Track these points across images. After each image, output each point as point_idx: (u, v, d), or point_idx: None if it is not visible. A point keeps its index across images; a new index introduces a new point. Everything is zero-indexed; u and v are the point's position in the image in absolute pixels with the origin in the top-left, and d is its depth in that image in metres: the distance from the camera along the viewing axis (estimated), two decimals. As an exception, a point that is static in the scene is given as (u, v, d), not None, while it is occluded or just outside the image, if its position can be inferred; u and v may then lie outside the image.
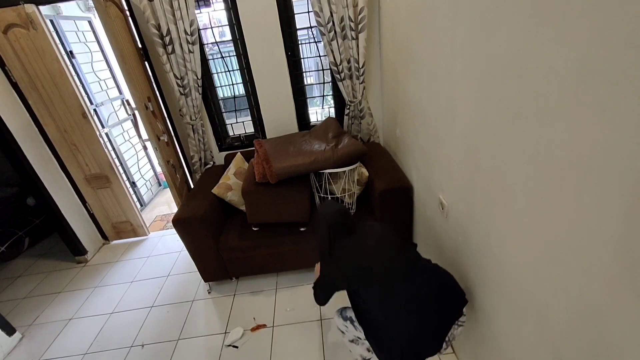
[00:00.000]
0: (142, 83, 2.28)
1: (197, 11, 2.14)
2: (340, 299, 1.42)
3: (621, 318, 0.63)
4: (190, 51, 2.16)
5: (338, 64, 2.20)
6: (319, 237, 1.35)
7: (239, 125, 2.71)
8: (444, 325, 1.11)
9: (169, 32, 2.09)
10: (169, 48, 2.14)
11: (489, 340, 1.22)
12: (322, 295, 1.31)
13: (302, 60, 2.44)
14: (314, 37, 2.47)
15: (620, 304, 0.63)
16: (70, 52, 2.79)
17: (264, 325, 1.91)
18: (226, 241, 2.06)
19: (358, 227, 1.34)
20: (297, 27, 2.33)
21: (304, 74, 2.50)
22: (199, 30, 2.20)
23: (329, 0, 2.00)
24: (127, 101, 3.40)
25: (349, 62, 2.22)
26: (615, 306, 0.64)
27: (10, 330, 2.06)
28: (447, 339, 1.11)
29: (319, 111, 2.76)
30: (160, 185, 4.00)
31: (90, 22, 3.14)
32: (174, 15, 2.05)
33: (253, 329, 1.90)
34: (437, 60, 1.33)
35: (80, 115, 2.50)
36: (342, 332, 1.41)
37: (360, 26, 2.08)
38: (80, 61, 2.90)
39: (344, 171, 1.93)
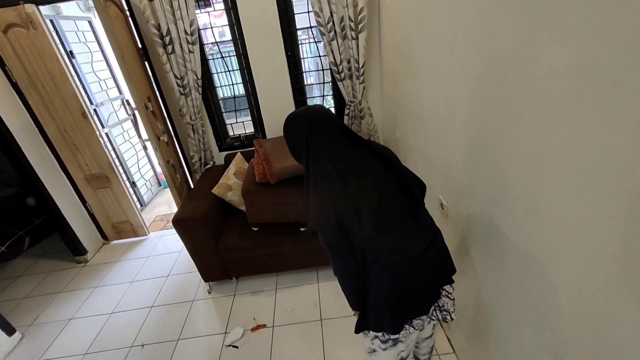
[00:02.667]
0: (142, 83, 2.28)
1: (197, 11, 2.13)
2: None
3: (622, 320, 0.63)
4: (190, 51, 2.16)
5: (338, 64, 2.19)
6: (310, 146, 0.97)
7: (239, 125, 2.71)
8: (434, 288, 1.03)
9: (169, 32, 2.09)
10: (169, 48, 2.14)
11: (489, 341, 1.22)
12: (346, 261, 0.95)
13: (302, 60, 2.43)
14: (314, 37, 2.47)
15: (621, 306, 0.63)
16: (70, 52, 2.79)
17: (264, 325, 1.91)
18: (226, 241, 2.06)
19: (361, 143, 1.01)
20: (297, 27, 2.32)
21: (304, 74, 2.50)
22: (199, 30, 2.20)
23: (329, 0, 2.00)
24: (127, 101, 3.40)
25: (349, 62, 2.22)
26: (615, 308, 0.64)
27: (10, 330, 2.06)
28: (437, 304, 1.05)
29: (319, 111, 2.76)
30: (160, 185, 4.00)
31: (90, 22, 3.14)
32: (174, 15, 2.05)
33: (253, 329, 1.90)
34: (437, 60, 1.33)
35: (80, 115, 2.50)
36: (373, 351, 1.14)
37: (360, 26, 2.07)
38: (80, 61, 2.90)
39: (344, 171, 1.93)
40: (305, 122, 1.00)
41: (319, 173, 0.97)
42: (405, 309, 0.99)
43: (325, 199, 0.94)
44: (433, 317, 1.08)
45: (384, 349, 1.09)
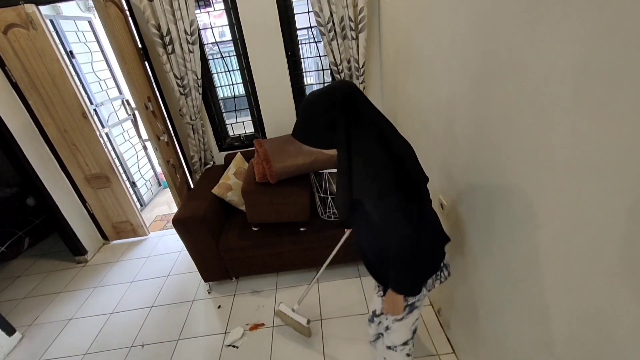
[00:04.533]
0: (142, 83, 2.28)
1: (197, 11, 2.14)
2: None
3: (622, 319, 0.63)
4: (190, 51, 2.16)
5: (338, 64, 2.19)
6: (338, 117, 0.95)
7: (239, 125, 2.71)
8: (444, 245, 1.17)
9: (169, 32, 2.09)
10: (169, 48, 2.14)
11: (489, 341, 1.22)
12: (410, 224, 0.90)
13: (302, 60, 2.43)
14: (314, 37, 2.47)
15: (622, 306, 0.63)
16: (70, 52, 2.79)
17: (262, 324, 1.92)
18: (226, 241, 2.06)
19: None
20: (297, 27, 2.33)
21: (304, 74, 2.50)
22: (199, 30, 2.20)
23: (329, 0, 2.00)
24: (127, 101, 3.40)
25: (349, 62, 2.22)
26: (616, 308, 0.64)
27: (10, 330, 2.06)
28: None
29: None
30: (160, 185, 3.99)
31: (90, 22, 3.14)
32: (174, 15, 2.05)
33: (251, 328, 1.90)
34: (437, 60, 1.33)
35: (80, 115, 2.50)
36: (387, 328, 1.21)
37: (360, 26, 2.08)
38: (80, 61, 2.90)
39: (344, 171, 1.93)
40: (343, 90, 0.97)
41: (364, 137, 0.94)
42: (431, 264, 1.08)
43: (378, 159, 0.92)
44: (439, 275, 1.13)
45: (402, 318, 1.13)
